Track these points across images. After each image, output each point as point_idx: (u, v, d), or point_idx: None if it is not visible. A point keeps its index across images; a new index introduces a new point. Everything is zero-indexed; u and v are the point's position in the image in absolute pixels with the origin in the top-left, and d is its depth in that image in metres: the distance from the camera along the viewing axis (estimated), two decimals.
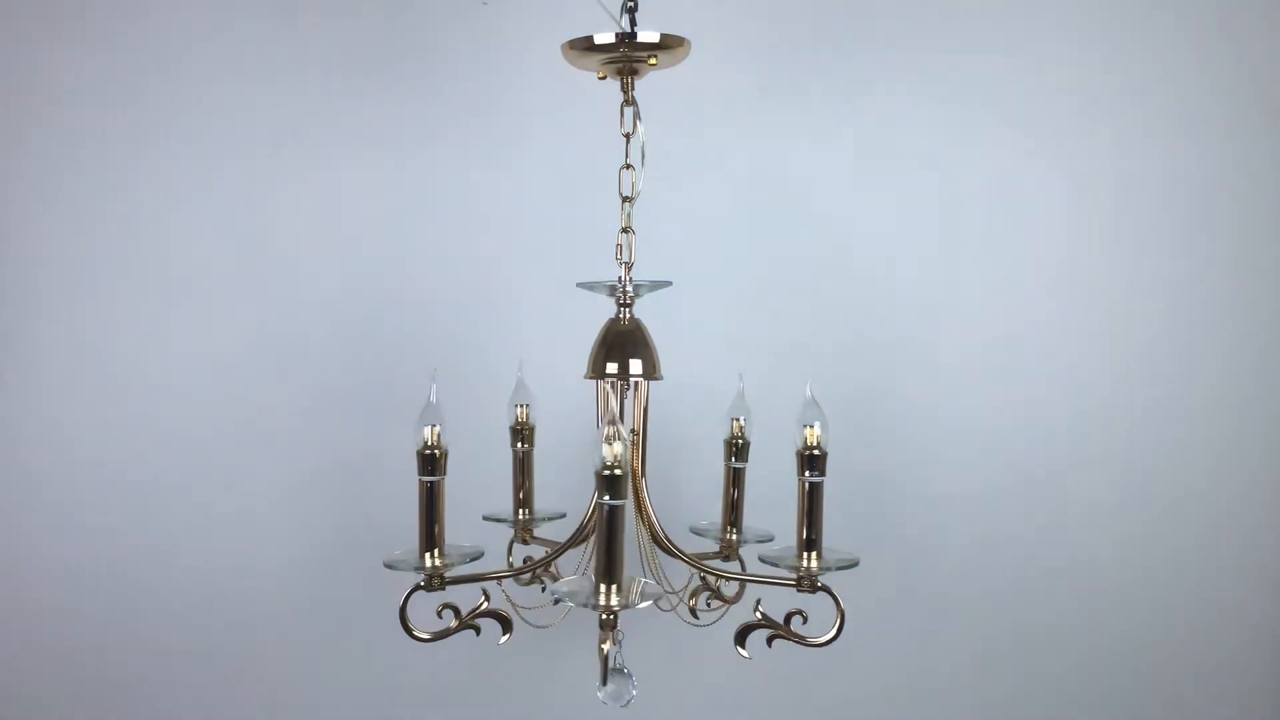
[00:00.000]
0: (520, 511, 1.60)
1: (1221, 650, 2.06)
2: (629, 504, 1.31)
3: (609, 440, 1.14)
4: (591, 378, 1.36)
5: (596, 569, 1.18)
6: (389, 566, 1.32)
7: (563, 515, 1.62)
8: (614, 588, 1.17)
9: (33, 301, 1.94)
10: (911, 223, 2.00)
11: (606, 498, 1.14)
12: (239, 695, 2.01)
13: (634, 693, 1.31)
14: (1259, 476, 2.03)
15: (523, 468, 1.59)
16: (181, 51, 1.93)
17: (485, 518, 1.60)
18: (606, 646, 1.23)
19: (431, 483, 1.29)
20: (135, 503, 1.97)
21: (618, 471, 1.14)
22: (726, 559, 1.54)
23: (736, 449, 1.53)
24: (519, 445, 1.59)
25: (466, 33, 1.95)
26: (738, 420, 1.53)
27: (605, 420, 1.17)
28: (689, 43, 1.34)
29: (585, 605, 1.18)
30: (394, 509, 1.91)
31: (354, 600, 1.97)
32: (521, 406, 1.59)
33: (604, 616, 1.17)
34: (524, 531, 1.60)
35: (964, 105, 1.99)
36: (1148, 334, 2.02)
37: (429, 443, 1.29)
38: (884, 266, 2.00)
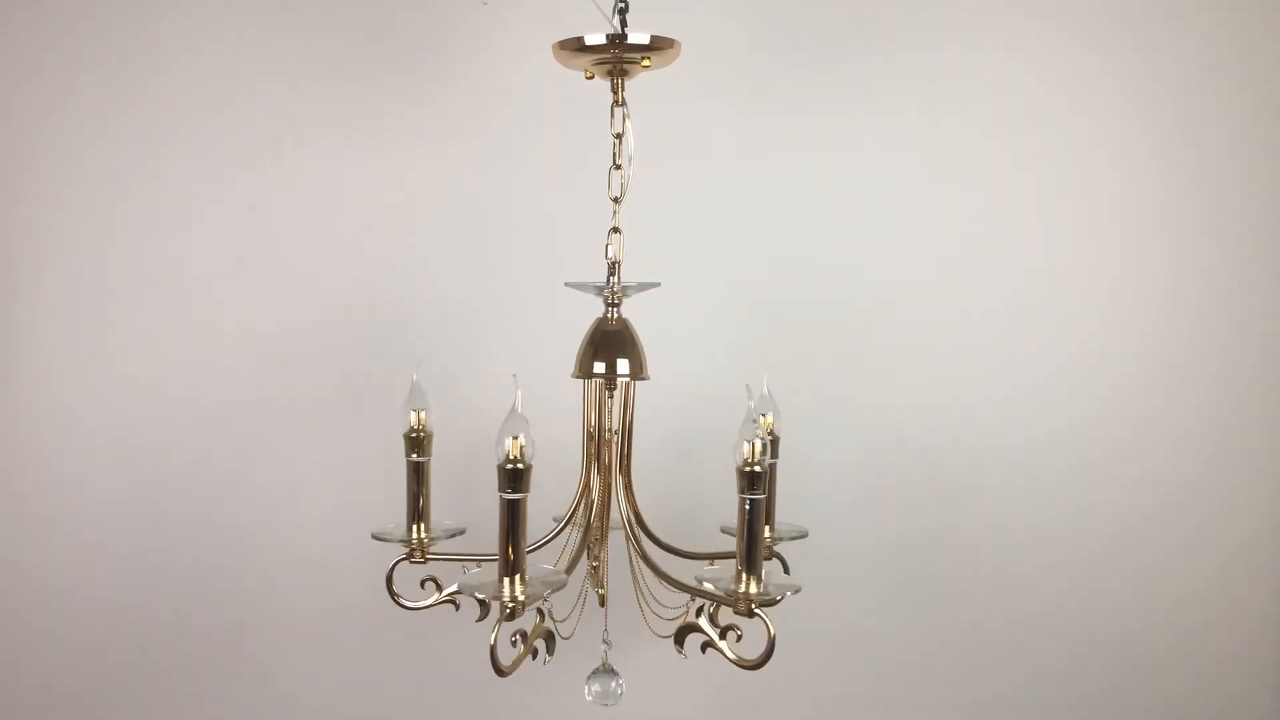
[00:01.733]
0: (415, 528, 1.47)
1: (1222, 647, 2.06)
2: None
3: (749, 438, 1.17)
4: (579, 377, 1.36)
5: (739, 560, 1.21)
6: (473, 595, 1.22)
7: (461, 531, 1.52)
8: (754, 578, 1.20)
9: (38, 301, 1.96)
10: (907, 223, 1.99)
11: (748, 494, 1.19)
12: (238, 683, 2.03)
13: (621, 691, 1.32)
14: (1258, 476, 2.03)
15: (418, 477, 1.47)
16: (182, 54, 1.94)
17: (374, 536, 1.49)
18: (771, 630, 1.21)
19: (515, 500, 1.17)
20: (138, 499, 1.98)
21: (758, 469, 1.17)
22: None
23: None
24: (413, 455, 1.46)
25: (466, 33, 1.96)
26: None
27: (747, 418, 1.20)
28: (679, 44, 1.34)
29: (727, 594, 1.20)
30: (395, 506, 1.93)
31: (355, 594, 1.98)
32: (417, 412, 1.46)
33: (749, 607, 1.20)
34: (421, 551, 1.47)
35: (962, 105, 1.98)
36: (1148, 332, 2.01)
37: (512, 455, 1.17)
38: (879, 267, 2.00)
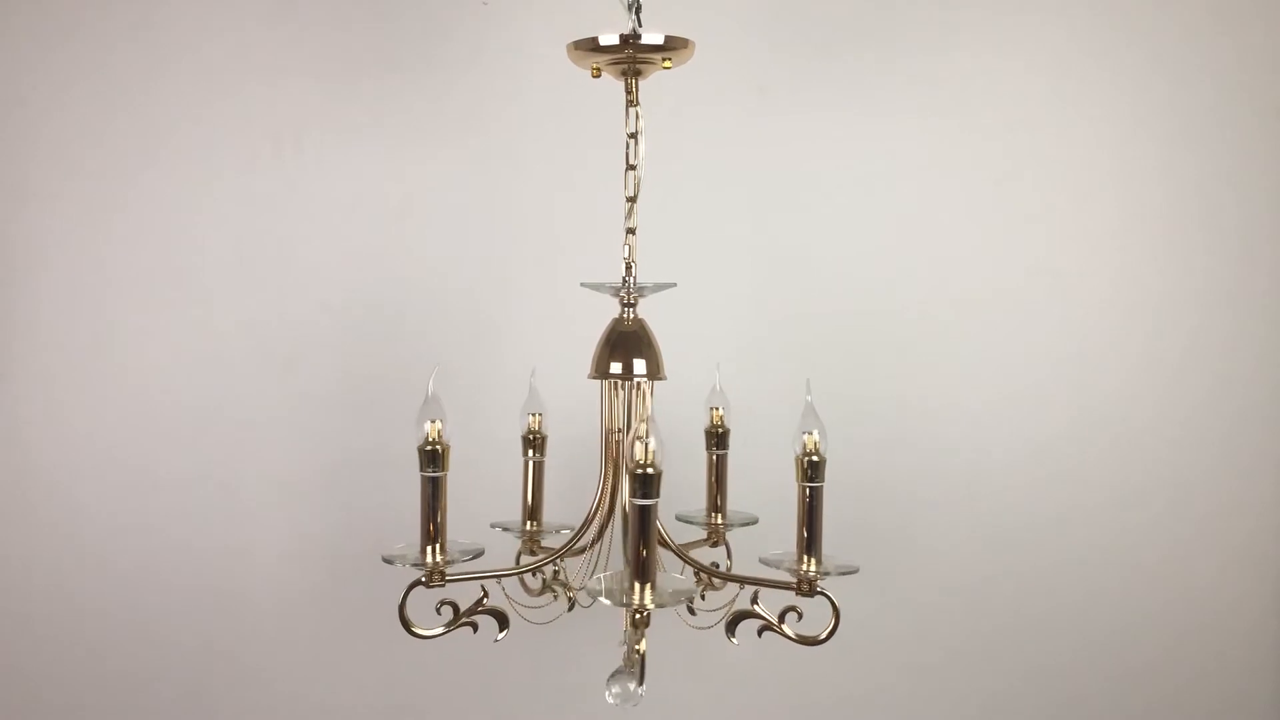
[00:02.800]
0: (431, 550, 1.35)
1: (1221, 646, 2.07)
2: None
3: (809, 432, 1.25)
4: (595, 378, 1.36)
5: (800, 546, 1.28)
6: (600, 600, 1.21)
7: (480, 552, 1.46)
8: (814, 560, 1.28)
9: (37, 301, 1.95)
10: (913, 223, 2.01)
11: (808, 482, 1.27)
12: (236, 687, 2.02)
13: (641, 693, 1.31)
14: (1258, 476, 2.04)
15: (435, 493, 1.37)
16: (183, 54, 1.93)
17: (385, 559, 1.42)
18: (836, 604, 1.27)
19: (646, 506, 1.16)
20: (138, 498, 1.97)
21: (816, 458, 1.25)
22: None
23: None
24: (429, 469, 1.34)
25: (467, 33, 1.96)
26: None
27: (806, 411, 1.25)
28: (694, 44, 1.34)
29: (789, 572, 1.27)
30: (395, 506, 1.92)
31: (353, 596, 1.98)
32: (433, 423, 1.34)
33: (805, 586, 1.27)
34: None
35: (964, 105, 2.00)
36: (1148, 332, 2.03)
37: (642, 461, 1.15)
38: (886, 266, 2.01)
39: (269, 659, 2.01)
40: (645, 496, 1.15)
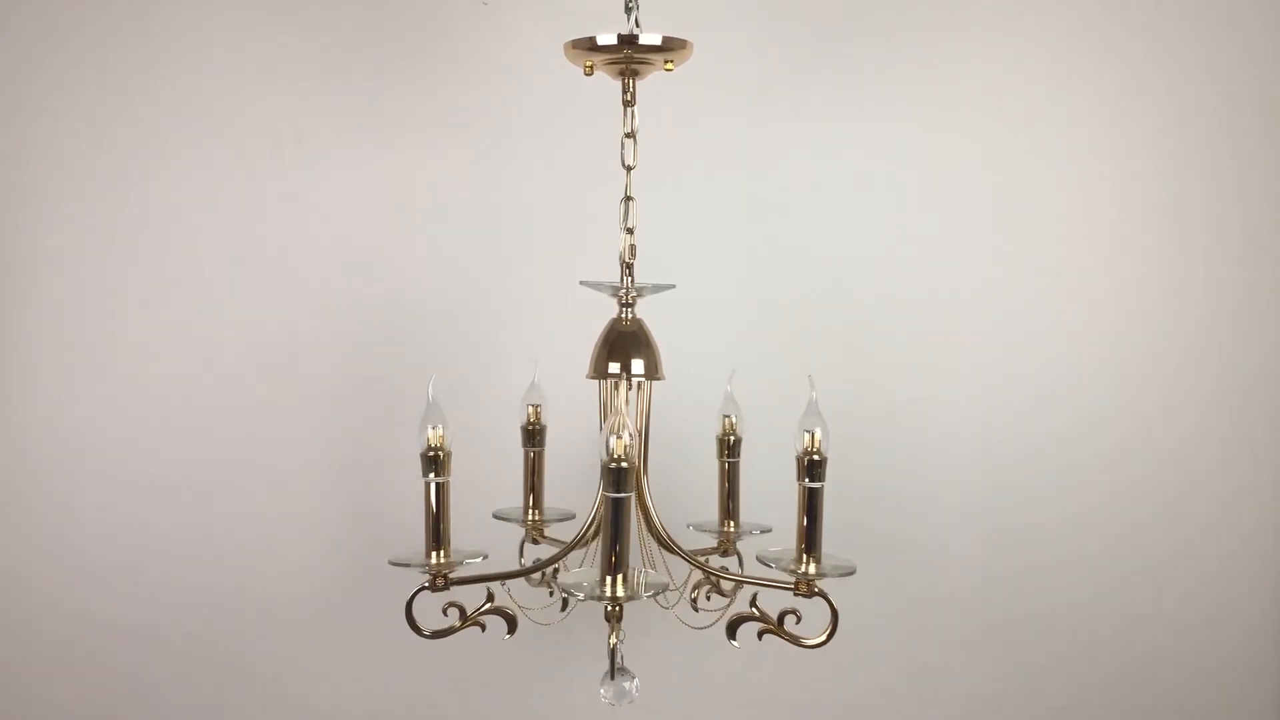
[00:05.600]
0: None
1: (1221, 646, 2.08)
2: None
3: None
4: (593, 378, 1.36)
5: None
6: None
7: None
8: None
9: (38, 302, 1.94)
10: (912, 223, 2.01)
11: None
12: (239, 689, 2.01)
13: (636, 692, 1.31)
14: (1258, 476, 2.05)
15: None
16: (183, 54, 1.93)
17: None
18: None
19: (815, 489, 1.28)
20: (137, 498, 1.96)
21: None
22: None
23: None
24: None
25: (467, 33, 1.95)
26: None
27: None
28: (692, 45, 1.34)
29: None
30: (394, 506, 1.92)
31: (356, 596, 1.98)
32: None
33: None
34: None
35: (964, 106, 2.00)
36: (1146, 333, 2.03)
37: (810, 448, 1.29)
38: (884, 267, 2.01)
39: (270, 659, 2.01)
40: (814, 480, 1.27)
